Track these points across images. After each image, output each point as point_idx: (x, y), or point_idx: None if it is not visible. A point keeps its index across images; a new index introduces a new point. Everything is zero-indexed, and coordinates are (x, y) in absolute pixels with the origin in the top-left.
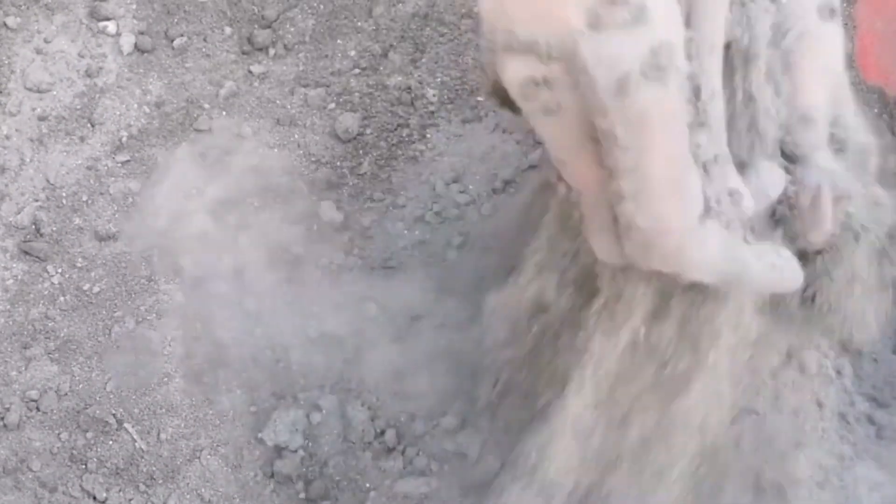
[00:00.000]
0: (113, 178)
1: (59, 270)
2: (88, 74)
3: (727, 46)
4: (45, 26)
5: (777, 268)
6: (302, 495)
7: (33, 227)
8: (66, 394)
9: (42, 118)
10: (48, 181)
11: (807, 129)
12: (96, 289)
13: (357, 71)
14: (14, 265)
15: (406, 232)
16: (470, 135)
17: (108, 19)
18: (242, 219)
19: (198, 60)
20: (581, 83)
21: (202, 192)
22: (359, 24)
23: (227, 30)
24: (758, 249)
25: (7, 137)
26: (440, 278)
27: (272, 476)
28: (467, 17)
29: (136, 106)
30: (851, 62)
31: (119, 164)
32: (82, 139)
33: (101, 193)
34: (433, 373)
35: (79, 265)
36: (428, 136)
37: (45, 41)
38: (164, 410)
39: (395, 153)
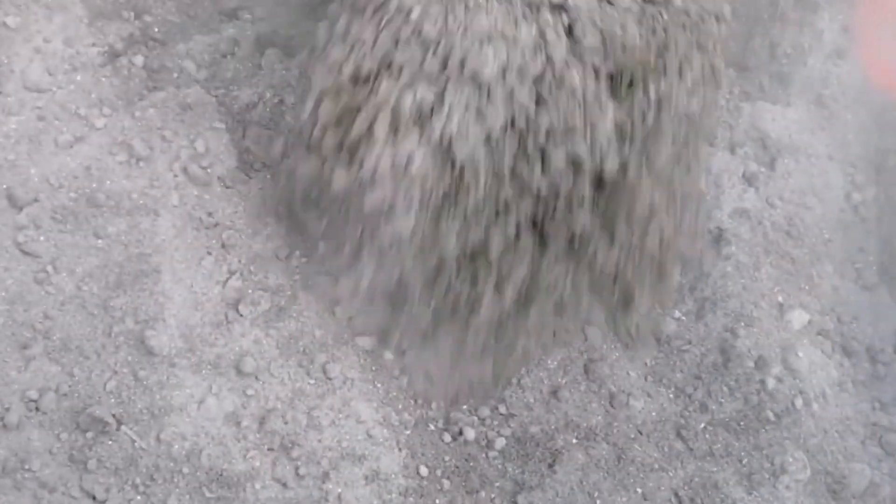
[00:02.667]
0: (112, 178)
1: (59, 270)
2: (87, 74)
3: None
4: (45, 26)
5: None
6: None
7: (33, 226)
8: (65, 394)
9: (41, 118)
10: (47, 181)
11: None
12: (96, 289)
13: None
14: (14, 265)
15: None
16: None
17: (107, 18)
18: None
19: (186, 58)
20: None
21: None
22: None
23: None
24: None
25: (7, 136)
26: None
27: (272, 474)
28: None
29: (135, 104)
30: (855, 62)
31: (118, 164)
32: (81, 139)
33: (101, 193)
34: None
35: (78, 265)
36: None
37: (45, 41)
38: (162, 411)
39: None
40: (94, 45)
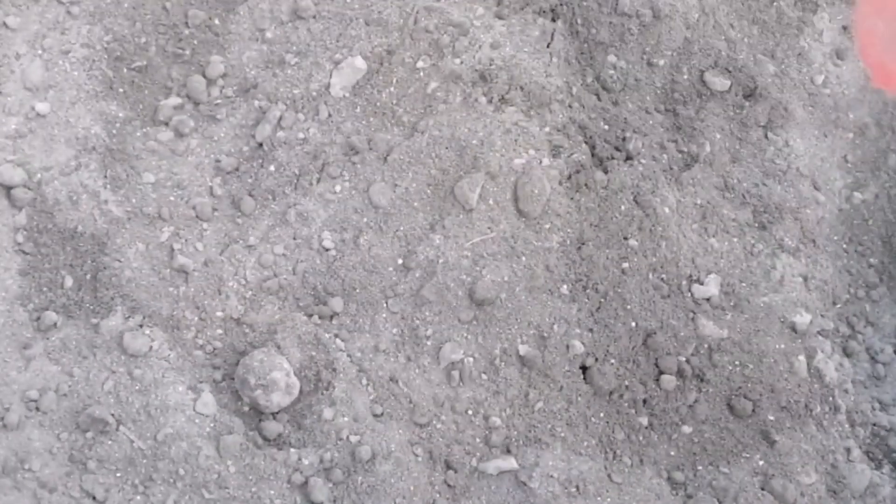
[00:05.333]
0: (113, 178)
1: (58, 270)
2: (88, 73)
3: None
4: (45, 26)
5: None
6: (302, 497)
7: (34, 226)
8: (65, 394)
9: (42, 116)
10: (48, 181)
11: None
12: (94, 289)
13: None
14: (13, 265)
15: None
16: None
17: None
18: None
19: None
20: None
21: (188, 184)
22: None
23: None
24: None
25: (7, 137)
26: None
27: (273, 473)
28: None
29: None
30: (855, 62)
31: (118, 163)
32: (82, 139)
33: (101, 193)
34: None
35: (77, 265)
36: None
37: (45, 41)
38: (159, 411)
39: None
40: (93, 44)
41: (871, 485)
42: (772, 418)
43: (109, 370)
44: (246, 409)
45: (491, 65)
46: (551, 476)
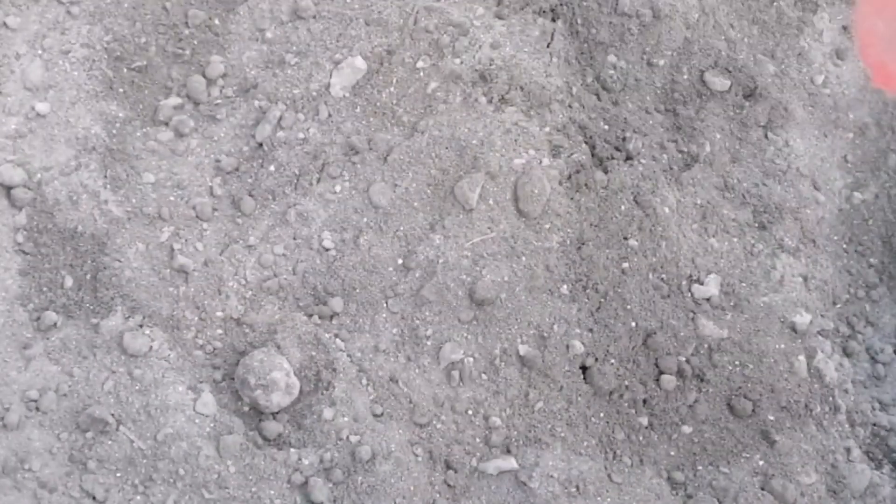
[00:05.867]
0: (113, 178)
1: (58, 270)
2: (88, 73)
3: None
4: (45, 26)
5: None
6: (302, 497)
7: (34, 226)
8: (65, 394)
9: (42, 116)
10: (48, 181)
11: None
12: (94, 289)
13: None
14: (13, 265)
15: None
16: None
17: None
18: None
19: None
20: None
21: (188, 184)
22: None
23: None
24: None
25: (7, 137)
26: None
27: (273, 473)
28: None
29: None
30: (855, 62)
31: (118, 163)
32: (82, 139)
33: (101, 193)
34: None
35: (77, 265)
36: None
37: (45, 41)
38: (160, 411)
39: None
40: (93, 45)
41: (871, 485)
42: (772, 418)
43: (109, 370)
44: (246, 409)
45: (491, 65)
46: (551, 476)
